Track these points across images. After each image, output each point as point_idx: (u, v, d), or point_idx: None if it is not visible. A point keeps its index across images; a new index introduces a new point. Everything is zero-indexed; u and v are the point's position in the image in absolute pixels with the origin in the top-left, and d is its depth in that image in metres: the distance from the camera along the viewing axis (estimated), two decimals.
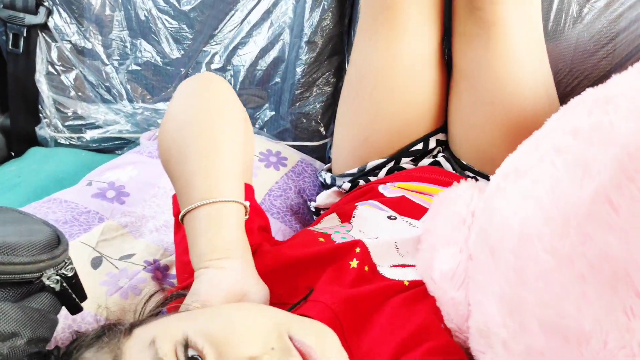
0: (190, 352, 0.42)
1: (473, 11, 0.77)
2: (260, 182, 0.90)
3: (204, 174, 0.54)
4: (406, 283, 0.58)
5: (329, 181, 0.90)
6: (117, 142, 1.10)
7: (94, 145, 1.11)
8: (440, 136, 0.85)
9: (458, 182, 0.67)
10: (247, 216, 0.58)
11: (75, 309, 0.53)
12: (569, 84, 0.92)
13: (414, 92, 0.81)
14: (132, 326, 0.48)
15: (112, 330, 0.48)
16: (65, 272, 0.51)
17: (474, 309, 0.55)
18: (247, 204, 0.57)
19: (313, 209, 0.88)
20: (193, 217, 0.53)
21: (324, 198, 0.86)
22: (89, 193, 0.83)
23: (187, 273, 0.60)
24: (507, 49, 0.76)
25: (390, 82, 0.80)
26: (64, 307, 0.52)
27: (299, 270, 0.62)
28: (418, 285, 0.58)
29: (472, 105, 0.81)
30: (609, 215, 0.42)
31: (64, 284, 0.51)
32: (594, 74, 0.92)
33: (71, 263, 0.52)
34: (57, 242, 0.51)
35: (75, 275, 0.53)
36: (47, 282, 0.49)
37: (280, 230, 0.85)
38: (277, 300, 0.57)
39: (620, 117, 0.48)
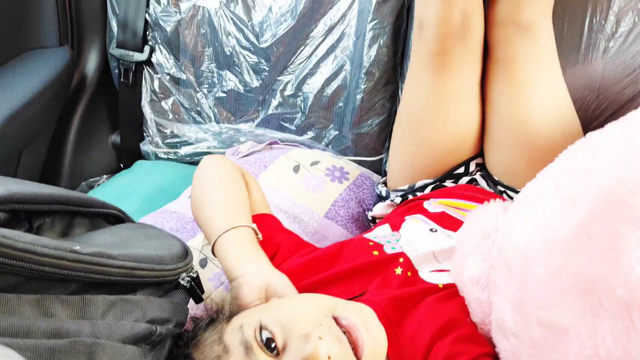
0: (265, 334, 0.58)
1: (491, 52, 0.92)
2: (327, 195, 1.08)
3: (219, 215, 0.79)
4: (440, 286, 0.75)
5: (384, 194, 1.07)
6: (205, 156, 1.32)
7: (187, 158, 1.32)
8: (479, 160, 1.00)
9: (488, 200, 0.83)
10: (260, 235, 0.80)
11: (199, 300, 0.73)
12: (597, 108, 1.04)
13: (455, 124, 0.96)
14: (231, 315, 0.66)
15: (218, 317, 0.66)
16: (192, 275, 0.71)
17: (493, 308, 0.71)
18: (254, 226, 0.79)
19: (370, 218, 1.06)
20: (219, 244, 0.77)
21: (380, 209, 1.03)
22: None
23: None
24: (522, 83, 0.90)
25: (433, 117, 0.95)
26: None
27: (354, 275, 0.80)
28: (450, 287, 0.75)
29: (499, 130, 0.95)
30: (585, 243, 0.58)
31: (192, 283, 0.71)
32: (619, 99, 1.04)
33: (193, 267, 0.72)
34: (185, 252, 0.71)
35: (198, 276, 0.73)
36: (182, 282, 0.69)
37: (343, 235, 1.03)
38: (336, 296, 0.76)
39: (605, 163, 0.63)
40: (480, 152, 1.00)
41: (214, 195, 0.83)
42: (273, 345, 0.57)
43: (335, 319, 0.60)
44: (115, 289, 0.61)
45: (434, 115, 0.96)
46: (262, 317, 0.60)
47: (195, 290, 0.71)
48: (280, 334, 0.58)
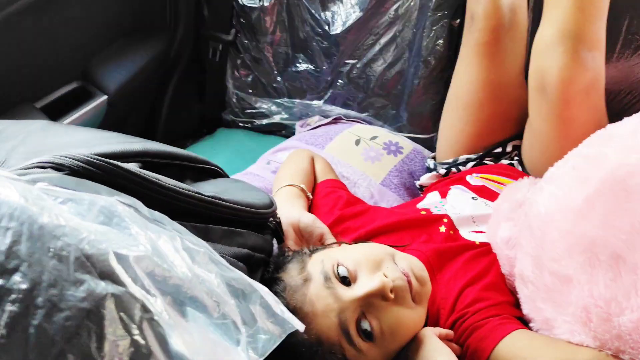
0: (341, 269, 0.72)
1: None
2: (383, 165, 1.25)
3: (284, 180, 1.04)
4: (477, 243, 0.92)
5: (432, 166, 1.23)
6: (278, 126, 1.51)
7: (262, 127, 1.52)
8: (516, 142, 1.15)
9: (522, 177, 0.99)
10: (310, 193, 1.04)
11: (280, 240, 0.93)
12: (628, 102, 1.17)
13: (497, 108, 1.11)
14: (312, 251, 0.83)
15: (302, 252, 0.83)
16: (277, 219, 0.90)
17: (517, 262, 0.87)
18: (303, 186, 1.02)
19: (418, 187, 1.23)
20: (276, 195, 1.01)
21: (426, 179, 1.20)
22: (269, 170, 1.23)
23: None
24: None
25: (478, 100, 1.10)
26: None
27: (405, 228, 0.97)
28: (485, 246, 0.91)
29: (534, 130, 1.05)
30: (590, 212, 0.74)
31: (277, 226, 0.91)
32: None
33: (277, 213, 0.92)
34: (271, 202, 0.91)
35: (280, 221, 0.93)
36: (270, 225, 0.89)
37: (395, 200, 1.20)
38: (389, 244, 0.93)
39: (614, 151, 0.78)
40: (516, 135, 1.15)
41: (285, 170, 1.10)
42: (347, 279, 0.73)
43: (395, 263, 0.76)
44: (227, 224, 0.81)
45: (478, 99, 1.12)
46: (339, 256, 0.76)
47: (278, 232, 0.91)
48: (353, 271, 0.72)
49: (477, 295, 0.85)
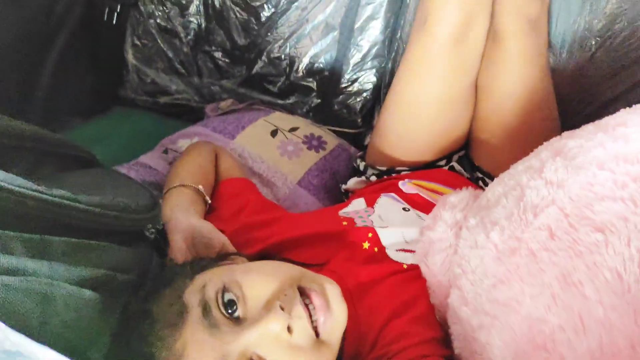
0: (227, 296, 0.57)
1: (494, 40, 0.93)
2: (302, 162, 1.08)
3: (176, 178, 0.87)
4: (405, 266, 0.76)
5: (361, 168, 1.07)
6: (184, 109, 1.30)
7: (166, 109, 1.30)
8: (461, 153, 1.00)
9: (461, 187, 0.84)
10: (207, 197, 0.87)
11: (163, 255, 0.73)
12: (579, 104, 1.06)
13: (445, 123, 0.96)
14: (196, 270, 0.64)
15: (183, 272, 0.64)
16: (158, 227, 0.70)
17: (452, 291, 0.72)
18: (200, 187, 0.85)
19: (343, 191, 1.06)
20: (165, 196, 0.84)
21: (353, 183, 1.04)
22: (166, 160, 1.02)
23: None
24: (512, 61, 0.92)
25: (424, 114, 0.95)
26: None
27: (322, 242, 0.80)
28: (414, 269, 0.76)
29: (486, 113, 0.96)
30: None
31: (157, 235, 0.71)
32: (601, 99, 1.05)
33: (160, 219, 0.72)
34: (154, 203, 0.71)
35: (164, 229, 0.73)
36: (146, 233, 0.69)
37: (314, 204, 1.03)
38: (301, 261, 0.76)
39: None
40: (462, 147, 1.01)
41: (179, 166, 0.92)
42: (234, 308, 0.57)
43: (301, 290, 0.60)
44: (79, 234, 0.60)
45: (425, 113, 0.96)
46: (226, 279, 0.59)
47: (160, 244, 0.71)
48: (242, 298, 0.58)
49: (403, 329, 0.71)
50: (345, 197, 1.06)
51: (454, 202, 0.81)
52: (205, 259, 0.69)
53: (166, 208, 0.80)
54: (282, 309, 0.56)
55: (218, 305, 0.57)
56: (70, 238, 0.59)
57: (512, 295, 0.60)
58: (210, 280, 0.60)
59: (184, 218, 0.77)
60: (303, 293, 0.60)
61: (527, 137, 0.93)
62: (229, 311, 0.57)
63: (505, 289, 0.61)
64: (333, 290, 0.62)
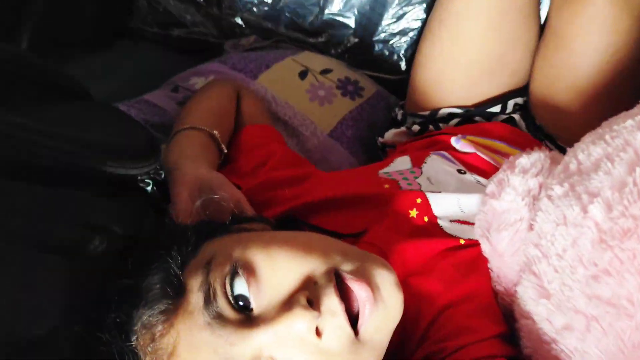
0: (238, 282, 0.43)
1: None
2: (334, 110, 0.92)
3: (188, 118, 0.74)
4: (462, 242, 0.61)
5: (399, 118, 0.91)
6: (201, 44, 1.13)
7: (178, 44, 1.13)
8: (519, 100, 0.84)
9: (531, 146, 0.68)
10: (223, 145, 0.72)
11: (161, 213, 0.59)
12: None
13: (501, 42, 0.79)
14: (199, 240, 0.49)
15: (183, 240, 0.48)
16: (156, 177, 0.56)
17: (525, 277, 0.57)
18: (215, 133, 0.71)
19: (379, 144, 0.90)
20: (173, 140, 0.69)
21: (391, 136, 0.88)
22: (175, 100, 0.87)
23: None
24: (605, 16, 0.73)
25: (474, 28, 0.78)
26: None
27: (359, 206, 0.65)
28: (474, 245, 0.61)
29: (558, 67, 0.79)
30: None
31: (154, 188, 0.56)
32: None
33: (162, 169, 0.57)
34: (151, 147, 0.56)
35: (165, 180, 0.58)
36: (142, 185, 0.54)
37: (347, 160, 0.88)
38: (331, 228, 0.61)
39: None
40: (522, 91, 0.83)
41: (194, 105, 0.79)
42: (246, 298, 0.43)
43: (340, 275, 0.45)
44: (49, 179, 0.46)
45: (475, 27, 0.79)
46: (238, 255, 0.44)
47: (159, 198, 0.57)
48: (258, 285, 0.43)
49: (463, 322, 0.56)
50: (382, 152, 0.90)
51: (526, 165, 0.65)
52: (214, 223, 0.54)
53: (171, 154, 0.66)
54: (311, 303, 0.42)
55: (226, 292, 0.43)
56: (36, 184, 0.44)
57: (623, 293, 0.45)
58: (218, 255, 0.45)
59: (191, 168, 0.62)
60: (343, 280, 0.44)
61: (606, 101, 0.76)
62: (240, 303, 0.43)
63: (612, 284, 0.46)
64: (386, 277, 0.46)
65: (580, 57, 0.76)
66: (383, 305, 0.44)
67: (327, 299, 0.42)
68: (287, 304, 0.42)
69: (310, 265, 0.44)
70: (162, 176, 0.57)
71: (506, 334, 0.59)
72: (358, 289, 0.43)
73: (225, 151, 0.73)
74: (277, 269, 0.44)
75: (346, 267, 0.45)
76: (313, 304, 0.42)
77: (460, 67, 0.82)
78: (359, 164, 0.88)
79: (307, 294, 0.42)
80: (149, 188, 0.55)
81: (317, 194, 0.66)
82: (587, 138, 0.60)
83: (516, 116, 0.84)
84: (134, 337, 0.43)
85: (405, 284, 0.57)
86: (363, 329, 0.44)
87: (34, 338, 0.37)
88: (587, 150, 0.56)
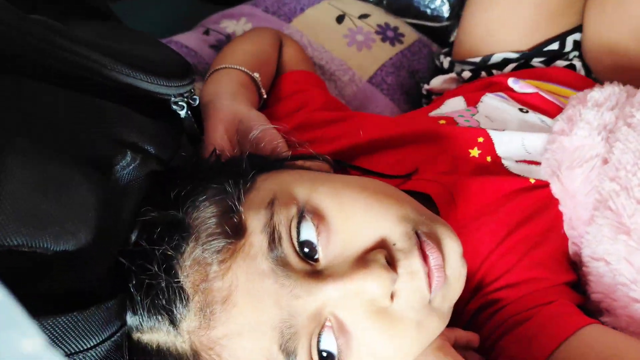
0: (305, 227, 0.39)
1: None
2: (374, 55, 0.85)
3: (226, 58, 0.68)
4: (532, 181, 0.54)
5: (446, 66, 0.84)
6: None
7: None
8: (578, 36, 0.76)
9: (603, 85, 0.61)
10: (263, 90, 0.66)
11: (194, 139, 0.53)
12: None
13: None
14: (256, 171, 0.44)
15: (239, 170, 0.44)
16: (190, 101, 0.50)
17: (599, 215, 0.51)
18: (256, 75, 0.65)
19: (424, 92, 0.83)
20: (210, 78, 0.64)
21: (439, 82, 0.81)
22: (207, 43, 0.82)
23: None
24: None
25: None
26: None
27: (411, 145, 0.59)
28: (543, 186, 0.54)
29: (617, 13, 0.71)
30: None
31: (189, 113, 0.51)
32: None
33: (194, 91, 0.52)
34: (187, 70, 0.50)
35: (198, 107, 0.53)
36: (174, 107, 0.49)
37: (387, 107, 0.82)
38: (379, 170, 0.56)
39: None
40: (578, 27, 0.76)
41: (235, 46, 0.73)
42: (314, 246, 0.38)
43: (419, 237, 0.40)
44: (83, 89, 0.41)
45: None
46: (309, 198, 0.40)
47: (192, 124, 0.51)
48: (328, 234, 0.39)
49: (526, 268, 0.51)
50: (427, 101, 0.84)
51: (599, 98, 0.58)
52: (266, 156, 0.49)
53: (208, 89, 0.61)
54: (388, 262, 0.38)
55: (291, 237, 0.38)
56: (70, 90, 0.39)
57: None
58: (283, 193, 0.40)
59: (229, 103, 0.57)
60: (419, 243, 0.40)
61: None
62: (306, 250, 0.38)
63: None
64: (454, 248, 0.41)
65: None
66: (451, 276, 0.41)
67: (409, 260, 0.39)
68: (362, 261, 0.38)
69: (388, 222, 0.40)
70: (197, 102, 0.51)
71: (574, 282, 0.53)
72: (436, 257, 0.39)
73: (265, 96, 0.67)
74: (352, 220, 0.39)
75: (423, 228, 0.41)
76: (390, 264, 0.38)
77: (524, 9, 0.75)
78: (401, 113, 0.82)
79: (386, 253, 0.38)
80: (182, 112, 0.49)
81: (361, 135, 0.60)
82: None
83: (577, 63, 0.76)
84: (184, 273, 0.38)
85: (464, 228, 0.51)
86: (433, 296, 0.40)
87: (61, 252, 0.32)
88: None
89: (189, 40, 0.82)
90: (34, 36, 0.38)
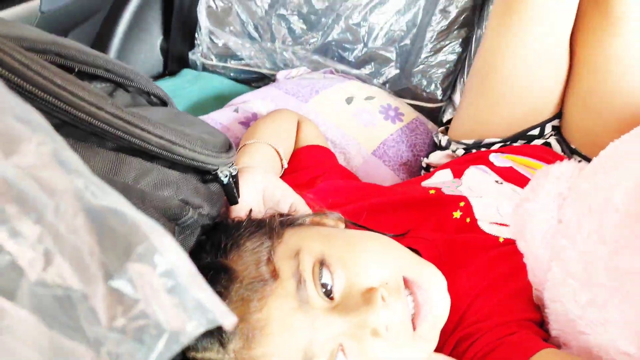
0: (325, 274, 0.51)
1: (599, 6, 0.81)
2: (378, 132, 1.01)
3: (254, 135, 0.81)
4: (501, 239, 0.68)
5: (444, 143, 0.97)
6: (254, 76, 1.25)
7: (235, 74, 1.25)
8: (556, 122, 0.90)
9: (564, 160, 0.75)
10: (285, 161, 0.81)
11: (233, 201, 0.67)
12: None
13: (538, 81, 0.86)
14: (283, 225, 0.57)
15: (271, 226, 0.57)
16: (231, 170, 0.65)
17: (555, 265, 0.64)
18: (281, 150, 0.80)
19: (424, 165, 0.98)
20: (241, 151, 0.78)
21: (437, 158, 0.95)
22: (237, 120, 0.98)
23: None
24: (632, 43, 0.80)
25: (515, 70, 0.85)
26: None
27: (407, 209, 0.73)
28: (511, 244, 0.68)
29: (590, 92, 0.84)
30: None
31: (230, 179, 0.65)
32: None
33: (234, 163, 0.66)
34: (229, 145, 0.65)
35: (237, 175, 0.67)
36: (220, 175, 0.63)
37: (389, 176, 0.96)
38: (380, 230, 0.69)
39: None
40: (558, 114, 0.91)
41: (261, 124, 0.87)
42: (330, 287, 0.51)
43: (404, 280, 0.54)
44: (154, 160, 0.55)
45: (516, 68, 0.86)
46: (326, 251, 0.53)
47: (232, 189, 0.65)
48: (343, 279, 0.52)
49: (495, 308, 0.63)
50: (426, 171, 0.98)
51: (558, 173, 0.72)
52: (292, 215, 0.62)
53: (241, 159, 0.75)
54: (384, 300, 0.50)
55: (314, 280, 0.51)
56: (145, 160, 0.53)
57: (638, 263, 0.51)
58: (306, 247, 0.53)
59: (260, 172, 0.70)
60: (407, 285, 0.54)
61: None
62: (325, 290, 0.51)
63: (627, 255, 0.52)
64: (439, 284, 0.56)
65: (610, 80, 0.82)
66: (435, 308, 0.54)
67: (398, 300, 0.52)
68: (367, 297, 0.50)
69: (385, 269, 0.53)
70: (236, 171, 0.65)
71: (538, 321, 0.65)
72: (420, 293, 0.53)
73: (286, 166, 0.82)
74: (359, 267, 0.52)
75: (411, 273, 0.55)
76: (385, 300, 0.50)
77: (504, 106, 0.89)
78: (399, 180, 0.96)
79: (384, 292, 0.51)
80: (225, 179, 0.64)
81: (368, 200, 0.75)
82: (611, 144, 0.67)
83: (552, 140, 0.90)
84: (231, 307, 0.50)
85: (450, 272, 0.64)
86: (420, 326, 0.53)
87: None
88: (614, 148, 0.64)
89: (222, 117, 0.98)
90: (130, 124, 0.52)
